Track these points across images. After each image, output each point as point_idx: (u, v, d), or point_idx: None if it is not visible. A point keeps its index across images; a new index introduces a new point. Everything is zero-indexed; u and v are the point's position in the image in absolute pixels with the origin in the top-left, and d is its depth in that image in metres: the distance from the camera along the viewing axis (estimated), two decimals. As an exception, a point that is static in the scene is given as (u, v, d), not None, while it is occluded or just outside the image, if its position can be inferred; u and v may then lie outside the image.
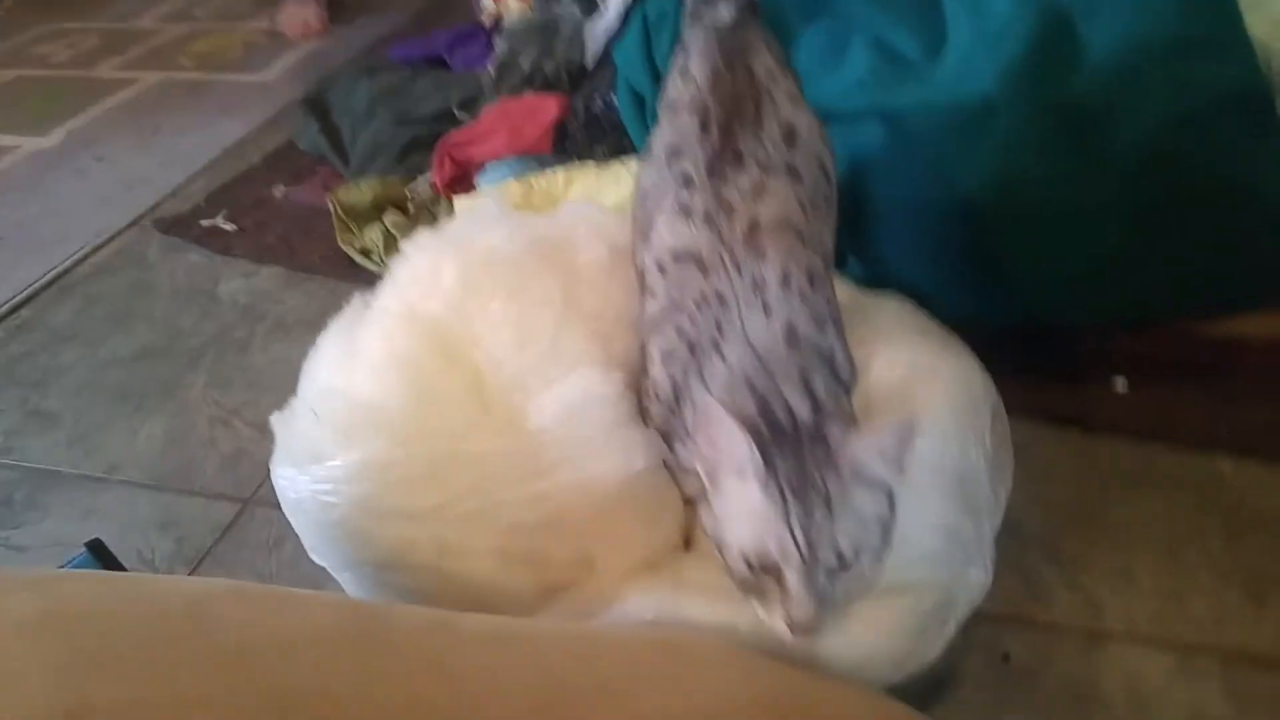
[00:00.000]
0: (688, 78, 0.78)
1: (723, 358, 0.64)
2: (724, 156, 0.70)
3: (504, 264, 0.81)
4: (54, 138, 1.96)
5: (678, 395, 0.68)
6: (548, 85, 1.57)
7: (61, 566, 0.77)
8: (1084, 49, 0.98)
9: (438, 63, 1.91)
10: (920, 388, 0.72)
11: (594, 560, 0.72)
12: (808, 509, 0.54)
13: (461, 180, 1.43)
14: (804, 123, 0.75)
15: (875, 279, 1.01)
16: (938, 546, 0.69)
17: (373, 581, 0.74)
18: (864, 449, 0.56)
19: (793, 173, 0.71)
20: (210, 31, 2.49)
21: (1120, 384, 1.02)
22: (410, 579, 0.72)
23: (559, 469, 0.70)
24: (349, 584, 0.77)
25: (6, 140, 1.96)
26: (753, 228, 0.67)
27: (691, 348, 0.67)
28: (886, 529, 0.57)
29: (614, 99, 1.39)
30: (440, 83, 1.73)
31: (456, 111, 1.59)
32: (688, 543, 0.77)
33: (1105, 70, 0.96)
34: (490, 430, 0.73)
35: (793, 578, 0.54)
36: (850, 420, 0.62)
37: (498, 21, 1.81)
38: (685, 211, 0.69)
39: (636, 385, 0.76)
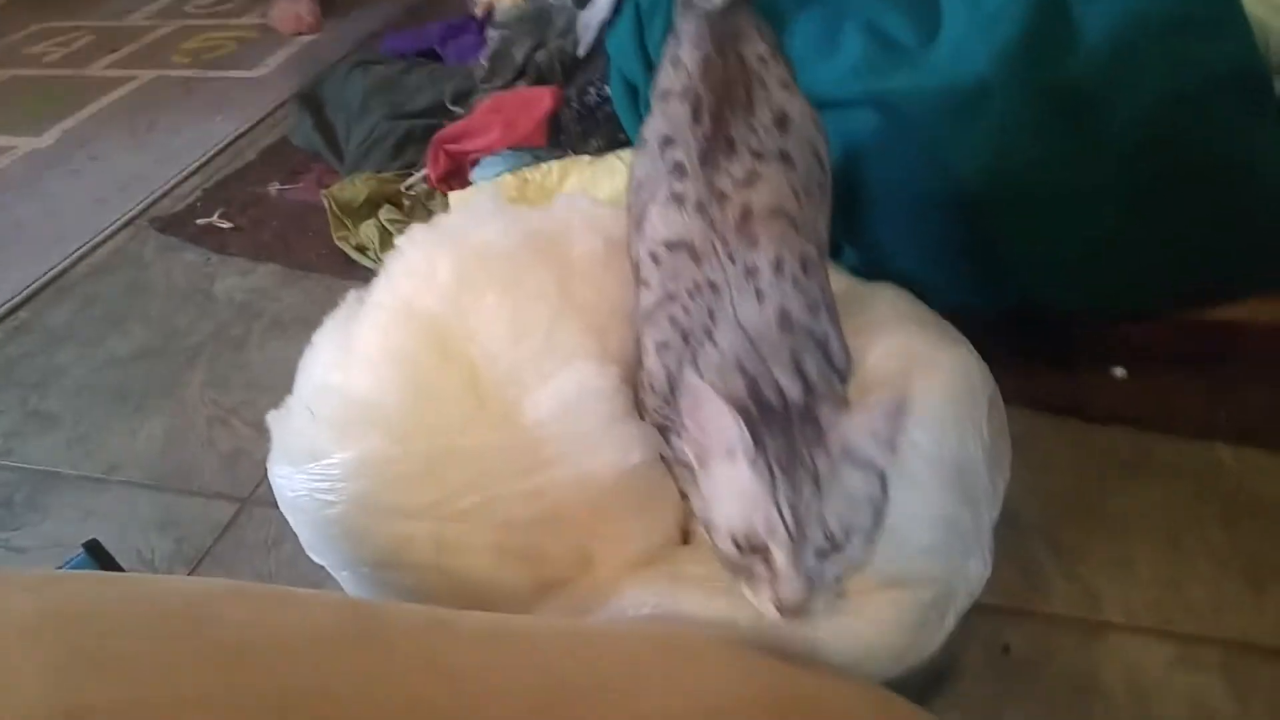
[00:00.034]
0: (679, 65, 0.77)
1: (715, 344, 0.63)
2: (716, 144, 0.70)
3: (499, 258, 0.81)
4: (48, 137, 1.96)
5: (673, 386, 0.68)
6: (541, 77, 1.56)
7: (59, 568, 0.77)
8: (1079, 30, 0.97)
9: (430, 55, 1.90)
10: (917, 377, 0.71)
11: (591, 555, 0.72)
12: (796, 487, 0.54)
13: (456, 174, 1.42)
14: (796, 108, 0.75)
15: (871, 268, 1.00)
16: (936, 539, 0.68)
17: (371, 580, 0.74)
18: (854, 429, 0.56)
19: (785, 159, 0.71)
20: (203, 28, 2.48)
21: (1119, 371, 1.01)
22: (408, 576, 0.71)
23: (556, 464, 0.70)
24: (347, 582, 0.77)
25: (1, 141, 1.96)
26: (745, 215, 0.67)
27: (685, 337, 0.66)
28: (878, 510, 0.57)
29: (608, 90, 1.38)
30: (433, 76, 1.72)
31: (450, 105, 1.59)
32: (685, 537, 0.76)
33: (1101, 51, 0.96)
34: (486, 425, 0.72)
35: (780, 556, 0.54)
36: (843, 404, 0.62)
37: (490, 12, 1.80)
38: (678, 200, 0.69)
39: (632, 379, 0.76)
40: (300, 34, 2.32)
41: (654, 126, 0.76)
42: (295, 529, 0.78)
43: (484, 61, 1.63)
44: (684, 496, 0.75)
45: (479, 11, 1.88)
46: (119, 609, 0.43)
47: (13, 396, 1.23)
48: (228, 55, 2.28)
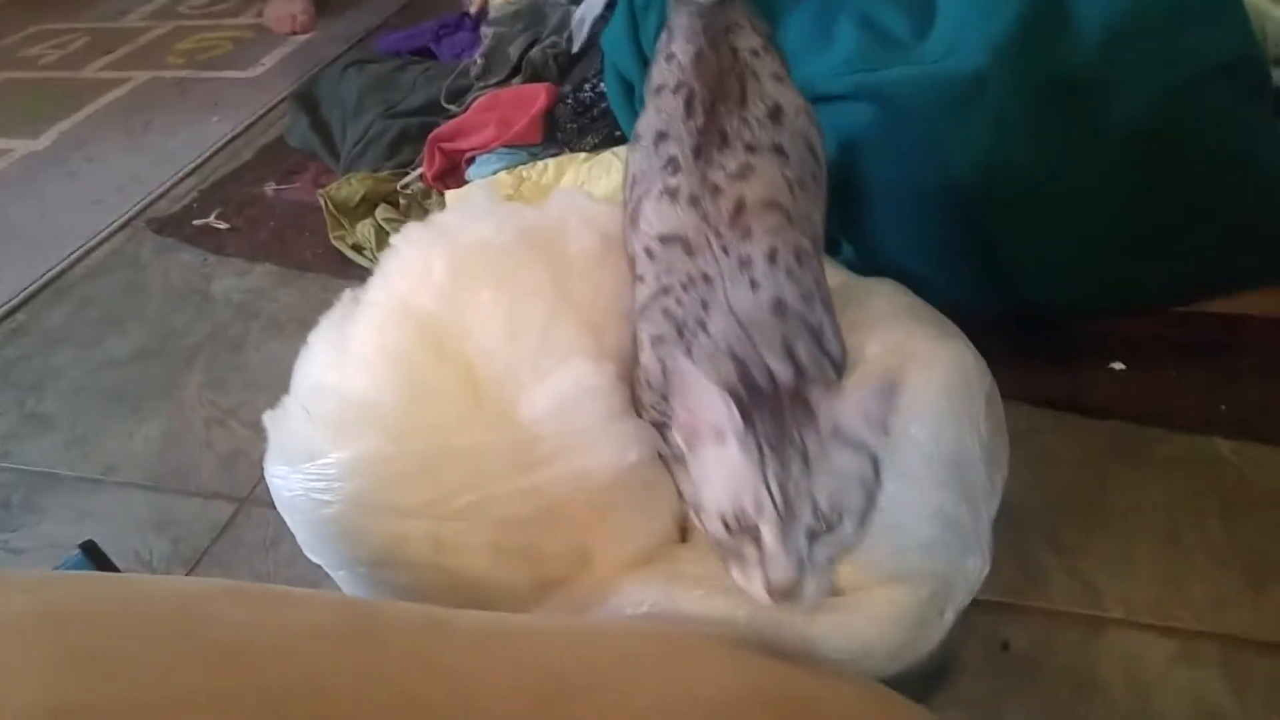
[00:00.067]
0: (672, 60, 0.77)
1: (707, 333, 0.63)
2: (709, 138, 0.70)
3: (494, 255, 0.81)
4: (45, 140, 1.95)
5: (668, 380, 0.68)
6: (536, 74, 1.56)
7: (55, 569, 0.77)
8: (1074, 21, 0.97)
9: (425, 54, 1.90)
10: (914, 372, 0.71)
11: (589, 554, 0.72)
12: (785, 465, 0.54)
13: (452, 173, 1.42)
14: (789, 101, 0.75)
15: (868, 263, 1.00)
16: (935, 535, 0.68)
17: (367, 579, 0.73)
18: (845, 410, 0.55)
19: (779, 152, 0.71)
20: (197, 29, 2.47)
21: (1117, 366, 1.01)
22: (405, 576, 0.71)
23: (553, 462, 0.70)
24: (344, 582, 0.77)
25: (-2, 143, 1.95)
26: (739, 208, 0.67)
27: (679, 330, 0.66)
28: (868, 491, 0.56)
29: (602, 86, 1.38)
30: (428, 74, 1.72)
31: (445, 104, 1.58)
32: (684, 535, 0.76)
33: (1096, 42, 0.95)
34: (482, 423, 0.72)
35: (769, 535, 0.53)
36: (834, 387, 0.61)
37: (483, 10, 1.80)
38: (671, 195, 0.69)
39: (629, 376, 0.75)
40: (295, 34, 2.32)
41: (648, 122, 0.76)
42: (292, 529, 0.77)
43: (478, 59, 1.63)
44: (681, 495, 0.75)
45: (473, 9, 1.88)
46: (114, 608, 0.43)
47: (10, 398, 1.23)
48: (223, 55, 2.28)
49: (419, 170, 1.43)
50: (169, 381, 1.21)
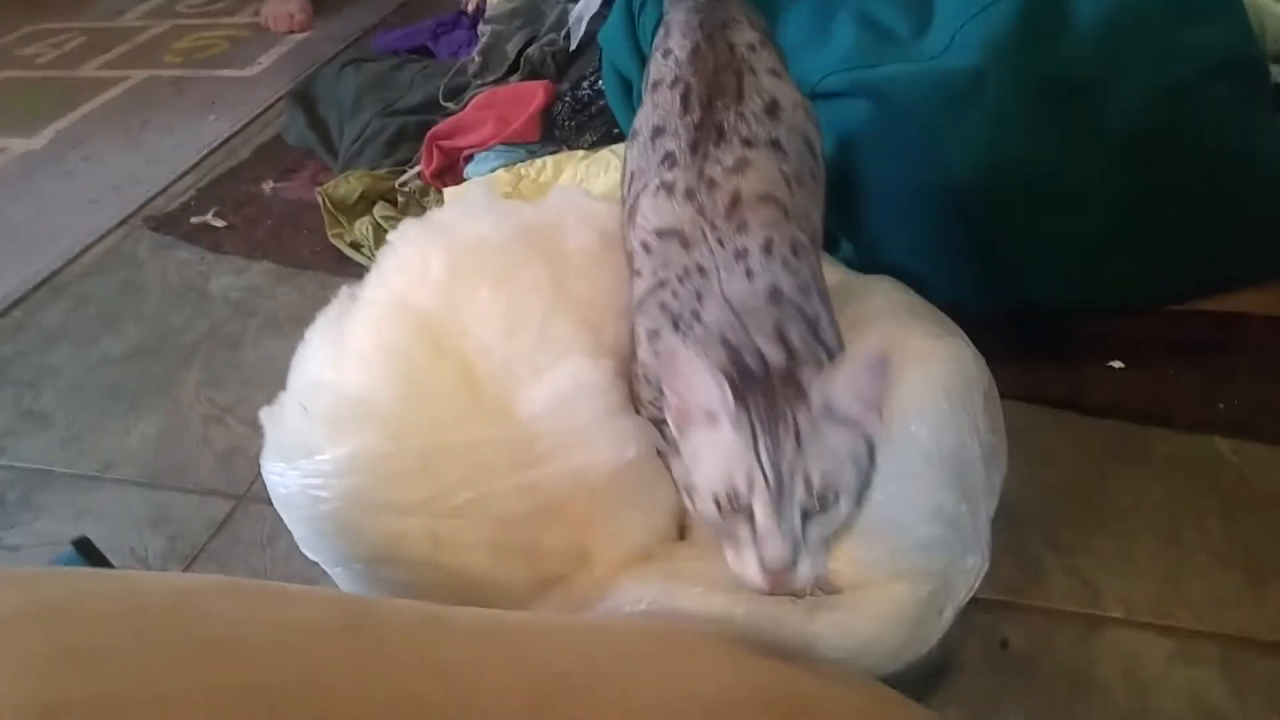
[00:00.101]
0: (669, 55, 0.77)
1: (702, 323, 0.63)
2: (705, 133, 0.70)
3: (492, 252, 0.80)
4: (41, 138, 1.95)
5: (660, 365, 0.68)
6: (533, 71, 1.56)
7: (49, 564, 0.76)
8: (1074, 19, 0.96)
9: (422, 52, 1.90)
10: (914, 370, 0.71)
11: (588, 551, 0.72)
12: (777, 443, 0.53)
13: (450, 171, 1.42)
14: (786, 96, 0.75)
15: (867, 262, 1.00)
16: (934, 533, 0.68)
17: (364, 576, 0.73)
18: (836, 387, 0.55)
19: (776, 146, 0.70)
20: (194, 27, 2.46)
21: (1116, 364, 1.01)
22: (403, 573, 0.71)
23: (551, 459, 0.70)
24: (341, 579, 0.76)
25: (-6, 142, 1.95)
26: (734, 201, 0.66)
27: (675, 323, 0.66)
28: (862, 469, 0.56)
29: (601, 84, 1.37)
30: (425, 72, 1.71)
31: (443, 102, 1.58)
32: (682, 533, 0.76)
33: (1094, 39, 0.95)
34: (480, 420, 0.72)
35: (761, 512, 0.53)
36: (826, 369, 0.61)
37: (480, 8, 1.80)
38: (668, 189, 0.69)
39: (628, 373, 0.75)
40: (292, 32, 2.31)
41: (645, 117, 0.76)
42: (289, 526, 0.77)
43: (476, 57, 1.63)
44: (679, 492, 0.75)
45: (470, 7, 1.88)
46: (107, 604, 0.42)
47: (6, 396, 1.23)
48: (220, 54, 2.27)
49: (417, 168, 1.43)
50: (166, 379, 1.21)
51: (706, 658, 0.57)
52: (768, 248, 0.64)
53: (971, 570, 0.69)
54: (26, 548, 0.99)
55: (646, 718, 0.47)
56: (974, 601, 0.71)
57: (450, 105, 1.56)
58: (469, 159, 1.41)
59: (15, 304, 1.41)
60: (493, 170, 1.36)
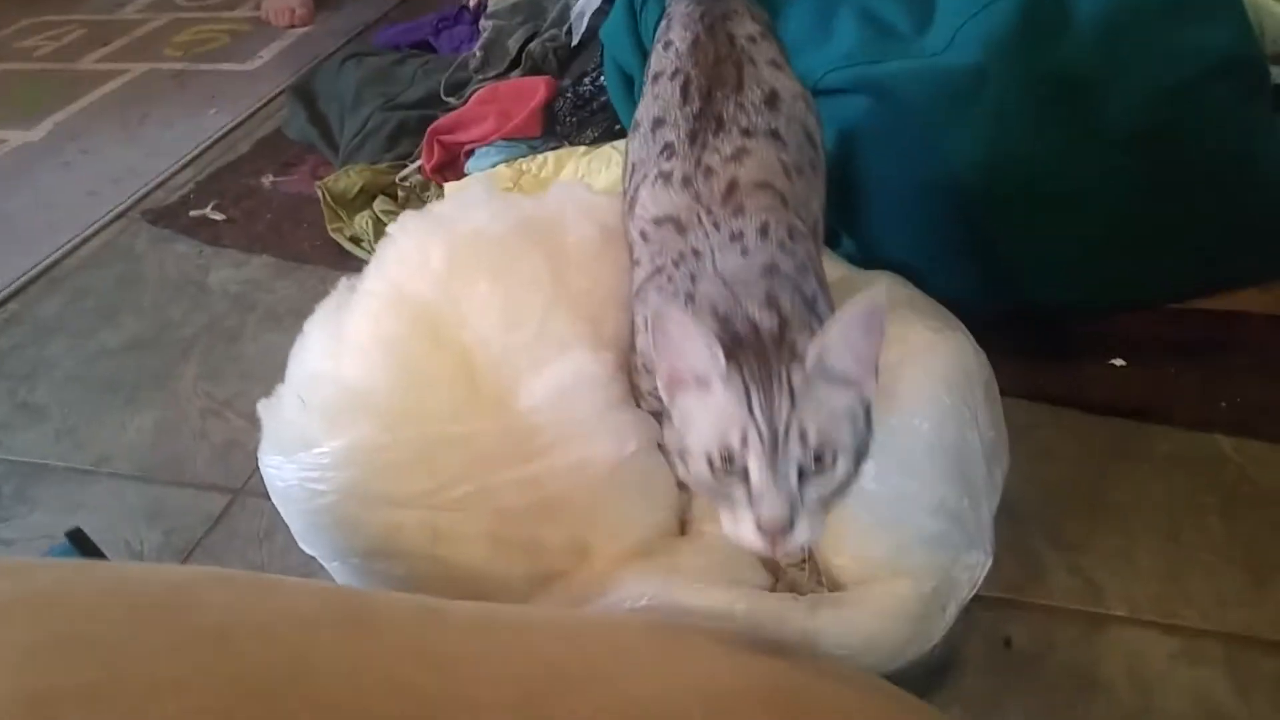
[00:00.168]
0: (670, 47, 0.77)
1: (694, 302, 0.62)
2: (704, 123, 0.69)
3: (491, 244, 0.80)
4: (39, 131, 1.94)
5: (652, 334, 0.67)
6: (535, 67, 1.55)
7: (42, 556, 0.75)
8: (1074, 18, 0.96)
9: (424, 47, 1.89)
10: (914, 363, 0.70)
11: (588, 546, 0.71)
12: (770, 398, 0.52)
13: (450, 166, 1.41)
14: (786, 88, 0.74)
15: (868, 257, 1.00)
16: (937, 529, 0.68)
17: (361, 570, 0.73)
18: (830, 343, 0.54)
19: (775, 137, 0.70)
20: (195, 21, 2.46)
21: (1118, 362, 1.00)
22: (400, 567, 0.70)
23: (551, 452, 0.69)
24: (339, 574, 0.76)
25: (-9, 134, 1.94)
26: (731, 187, 0.66)
27: None
28: (858, 427, 0.55)
29: (602, 79, 1.37)
30: (427, 67, 1.71)
31: (444, 97, 1.57)
32: (683, 528, 0.76)
33: (1096, 39, 0.95)
34: (479, 412, 0.71)
35: (755, 468, 0.52)
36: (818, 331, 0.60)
37: (482, 3, 1.79)
38: (665, 178, 0.68)
39: (628, 365, 0.75)
40: (293, 27, 2.30)
41: (646, 109, 0.76)
42: (286, 519, 0.77)
43: (478, 52, 1.62)
44: (682, 487, 0.74)
45: (472, 3, 1.87)
46: (96, 594, 0.42)
47: (1, 388, 1.22)
48: (220, 48, 2.26)
49: (418, 163, 1.43)
50: (164, 372, 1.20)
51: (705, 653, 0.57)
52: (764, 230, 0.64)
53: (974, 566, 0.69)
54: (21, 541, 0.99)
55: (643, 712, 0.47)
56: (976, 599, 0.70)
57: (451, 100, 1.56)
58: (470, 154, 1.40)
59: (11, 296, 1.41)
60: (494, 165, 1.35)
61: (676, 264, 0.65)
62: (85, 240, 1.52)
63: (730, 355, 0.54)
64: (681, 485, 0.74)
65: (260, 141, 1.74)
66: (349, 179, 1.39)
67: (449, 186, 1.34)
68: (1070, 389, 0.97)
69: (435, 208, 0.91)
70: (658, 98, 0.74)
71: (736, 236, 0.63)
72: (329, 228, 1.37)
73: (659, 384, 0.58)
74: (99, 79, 2.15)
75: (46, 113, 2.00)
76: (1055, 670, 0.74)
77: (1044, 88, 0.96)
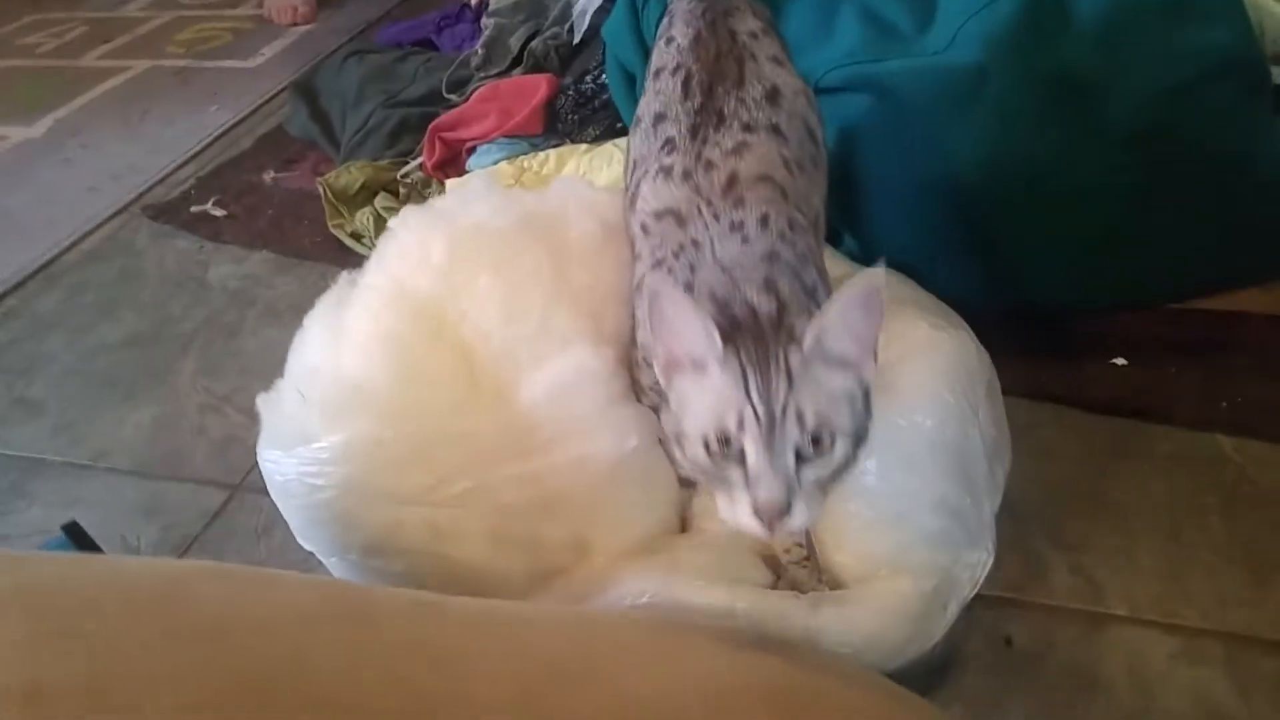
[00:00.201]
0: (671, 43, 0.77)
1: (693, 291, 0.62)
2: (706, 118, 0.69)
3: (492, 239, 0.80)
4: (40, 127, 1.94)
5: (649, 316, 0.66)
6: (537, 64, 1.55)
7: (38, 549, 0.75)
8: (1075, 17, 0.96)
9: (426, 45, 1.89)
10: (916, 360, 0.70)
11: (589, 543, 0.71)
12: (767, 380, 0.52)
13: (452, 163, 1.41)
14: (787, 84, 0.74)
15: (870, 255, 0.99)
16: (938, 526, 0.67)
17: (360, 567, 0.72)
18: (828, 324, 0.53)
19: (776, 132, 0.70)
20: (197, 19, 2.46)
21: (1119, 361, 1.00)
22: (400, 563, 0.70)
23: (551, 448, 0.69)
24: (337, 569, 0.76)
25: (-7, 130, 1.94)
26: (732, 180, 0.66)
27: None
28: (857, 410, 0.54)
29: (604, 77, 1.37)
30: (429, 65, 1.71)
31: (446, 94, 1.57)
32: (684, 525, 0.75)
33: (1096, 39, 0.95)
34: (479, 408, 0.71)
35: (752, 449, 0.52)
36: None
37: (484, 1, 1.79)
38: (666, 173, 0.68)
39: (629, 361, 0.74)
40: (295, 25, 2.31)
41: (647, 104, 0.76)
42: (285, 515, 0.76)
43: (479, 50, 1.62)
44: (683, 484, 0.74)
45: (473, 1, 1.87)
46: (91, 587, 0.42)
47: (-1, 383, 1.22)
48: (223, 46, 2.26)
49: (419, 160, 1.42)
50: (163, 368, 1.20)
51: (706, 650, 0.56)
52: (764, 221, 0.63)
53: (976, 565, 0.69)
54: (17, 536, 0.98)
55: (643, 710, 0.46)
56: (977, 598, 0.70)
57: (453, 97, 1.56)
58: (472, 151, 1.40)
59: (10, 291, 1.40)
60: (495, 163, 1.35)
61: (676, 255, 0.65)
62: (85, 236, 1.52)
63: (727, 338, 0.54)
64: (683, 482, 0.73)
65: (262, 138, 1.74)
66: (350, 175, 1.39)
67: (450, 183, 1.34)
68: (1071, 388, 0.97)
69: (437, 202, 0.91)
70: (659, 93, 0.74)
71: (737, 226, 0.63)
72: (330, 224, 1.37)
73: (656, 368, 0.58)
74: (101, 76, 2.15)
75: (48, 109, 2.00)
76: (1056, 669, 0.74)
77: (1045, 87, 0.96)
